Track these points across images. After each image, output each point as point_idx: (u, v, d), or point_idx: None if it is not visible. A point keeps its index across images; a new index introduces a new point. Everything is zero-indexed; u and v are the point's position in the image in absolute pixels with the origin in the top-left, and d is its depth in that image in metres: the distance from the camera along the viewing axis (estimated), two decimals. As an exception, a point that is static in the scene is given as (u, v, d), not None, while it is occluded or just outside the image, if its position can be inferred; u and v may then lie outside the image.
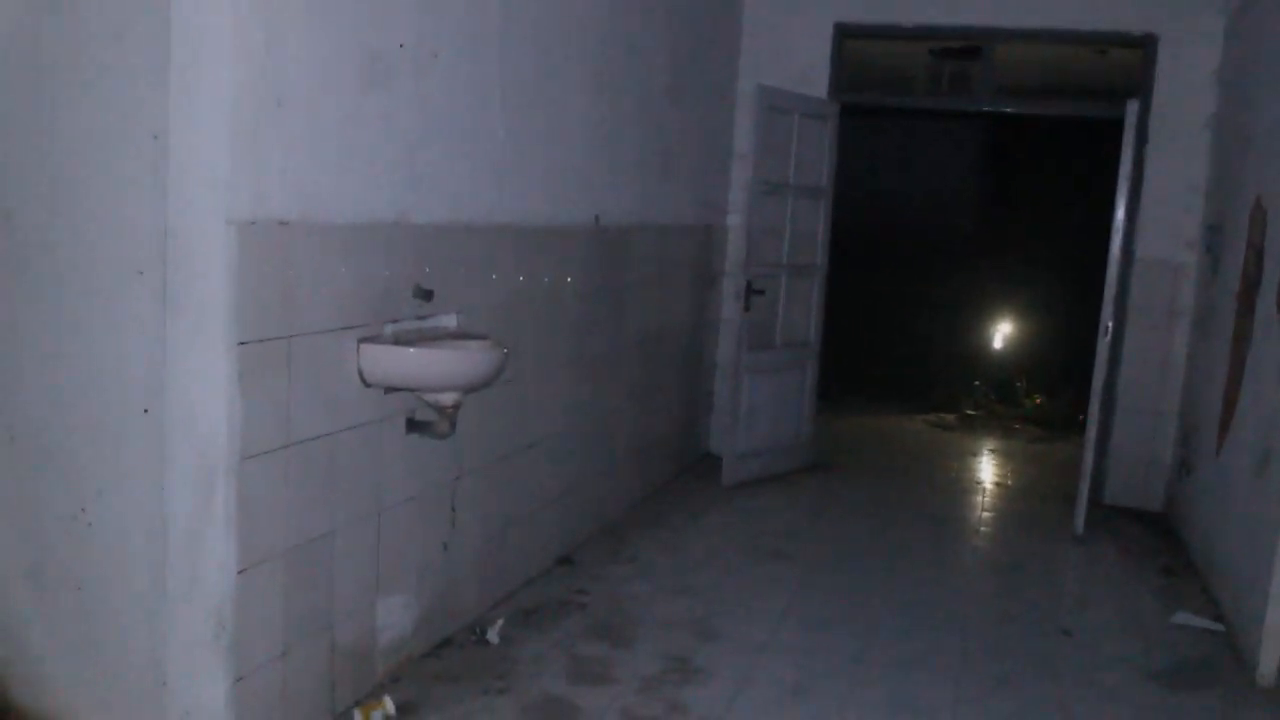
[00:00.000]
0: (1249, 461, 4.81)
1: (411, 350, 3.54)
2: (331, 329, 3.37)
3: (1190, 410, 6.46)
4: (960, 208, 11.19)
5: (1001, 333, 10.87)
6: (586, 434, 5.44)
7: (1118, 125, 6.07)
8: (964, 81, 7.61)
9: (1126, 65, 7.02)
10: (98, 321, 3.12)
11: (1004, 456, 8.37)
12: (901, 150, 11.14)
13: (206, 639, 3.08)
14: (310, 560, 3.38)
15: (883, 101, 8.12)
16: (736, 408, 6.79)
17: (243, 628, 3.11)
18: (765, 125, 6.58)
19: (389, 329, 3.65)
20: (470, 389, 3.80)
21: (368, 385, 3.53)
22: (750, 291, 6.65)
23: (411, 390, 3.69)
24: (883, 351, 10.41)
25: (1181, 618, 5.00)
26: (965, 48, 7.30)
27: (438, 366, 3.59)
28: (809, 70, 7.17)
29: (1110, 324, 6.07)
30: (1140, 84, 6.69)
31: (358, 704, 3.62)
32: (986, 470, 7.95)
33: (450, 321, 4.02)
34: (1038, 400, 9.71)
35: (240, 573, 3.08)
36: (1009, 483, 7.56)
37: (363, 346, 3.48)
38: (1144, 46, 6.68)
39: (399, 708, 3.64)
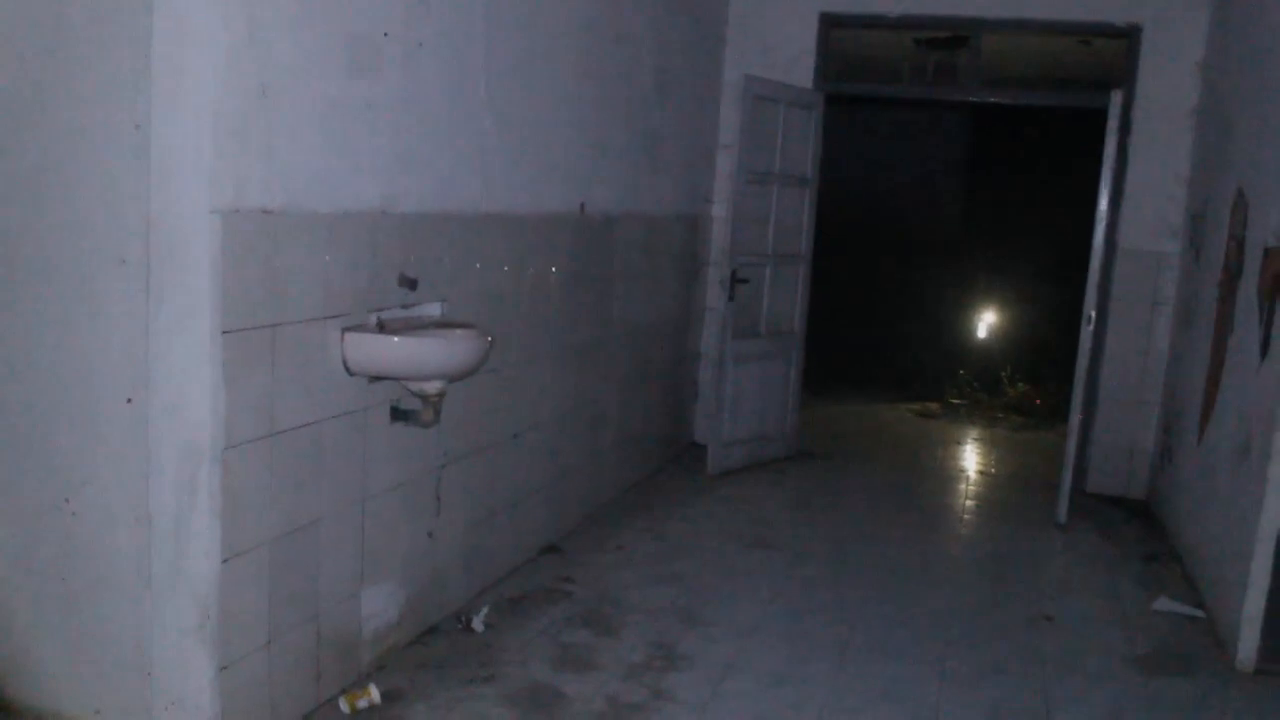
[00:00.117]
0: (1230, 449, 4.85)
1: (396, 339, 3.54)
2: (316, 318, 3.37)
3: (1172, 399, 6.50)
4: (945, 197, 11.23)
5: (985, 322, 10.92)
6: (572, 422, 5.45)
7: (1102, 115, 6.09)
8: (949, 71, 7.64)
9: (1110, 55, 7.05)
10: (81, 311, 3.11)
11: (987, 445, 8.41)
12: (887, 140, 11.17)
13: (191, 628, 3.08)
14: (295, 549, 3.39)
15: (868, 91, 8.14)
16: (721, 396, 6.81)
17: (227, 617, 3.11)
18: (751, 115, 6.58)
19: (373, 318, 3.65)
20: (455, 378, 3.80)
21: (352, 374, 3.53)
22: (735, 280, 6.66)
23: (396, 379, 3.69)
24: (867, 340, 10.45)
25: (1162, 604, 5.04)
26: (950, 38, 7.32)
27: (422, 355, 3.59)
28: (794, 60, 7.17)
29: (1093, 313, 6.10)
30: (1124, 74, 6.71)
31: (343, 692, 3.62)
32: (970, 459, 7.99)
33: (435, 310, 4.02)
34: (1021, 389, 9.75)
35: (225, 562, 3.08)
36: (992, 471, 7.60)
37: (347, 335, 3.48)
38: (1128, 37, 6.70)
39: (384, 696, 3.65)
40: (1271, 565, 4.28)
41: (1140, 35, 6.64)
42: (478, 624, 4.28)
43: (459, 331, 3.83)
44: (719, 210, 7.37)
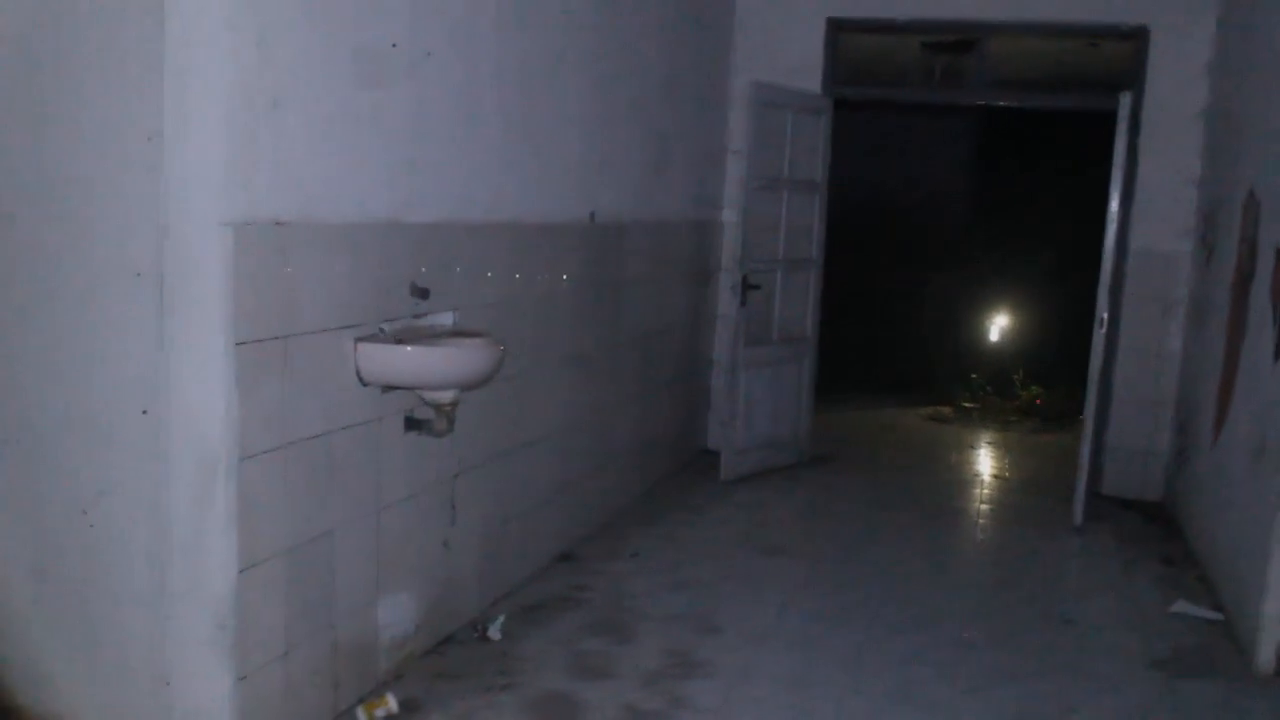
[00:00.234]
0: (1245, 451, 4.83)
1: (408, 348, 3.55)
2: (329, 328, 3.38)
3: (1186, 400, 6.48)
4: (955, 201, 11.21)
5: (998, 325, 10.88)
6: (585, 430, 5.45)
7: (1112, 117, 6.08)
8: (957, 75, 7.63)
9: (1119, 57, 7.04)
10: (96, 323, 3.12)
11: (1001, 449, 8.39)
12: (896, 144, 11.15)
13: (208, 639, 3.09)
14: (311, 559, 3.39)
15: (876, 95, 8.12)
16: (734, 403, 6.81)
17: (244, 627, 3.12)
18: (759, 121, 6.59)
19: (386, 328, 3.66)
20: (468, 387, 3.80)
21: (365, 384, 3.54)
22: (746, 287, 6.66)
23: (409, 388, 3.70)
24: (879, 345, 10.42)
25: (1180, 607, 5.02)
26: (958, 41, 7.31)
27: (435, 364, 3.60)
28: (802, 65, 7.17)
29: (1106, 315, 6.08)
30: (1133, 76, 6.70)
31: (361, 702, 3.63)
32: (984, 463, 7.97)
33: (447, 319, 4.02)
34: (1034, 392, 9.72)
35: (241, 572, 3.09)
36: (1007, 475, 7.58)
37: (360, 345, 3.49)
38: (1136, 39, 6.69)
39: (402, 705, 3.65)
40: (1289, 566, 4.27)
41: (1148, 37, 6.63)
42: (494, 632, 4.28)
43: (471, 341, 3.84)
44: (729, 216, 7.37)
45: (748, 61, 7.28)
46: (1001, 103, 7.51)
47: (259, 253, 3.06)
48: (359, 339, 3.50)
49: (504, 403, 4.51)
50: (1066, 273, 9.87)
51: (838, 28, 7.20)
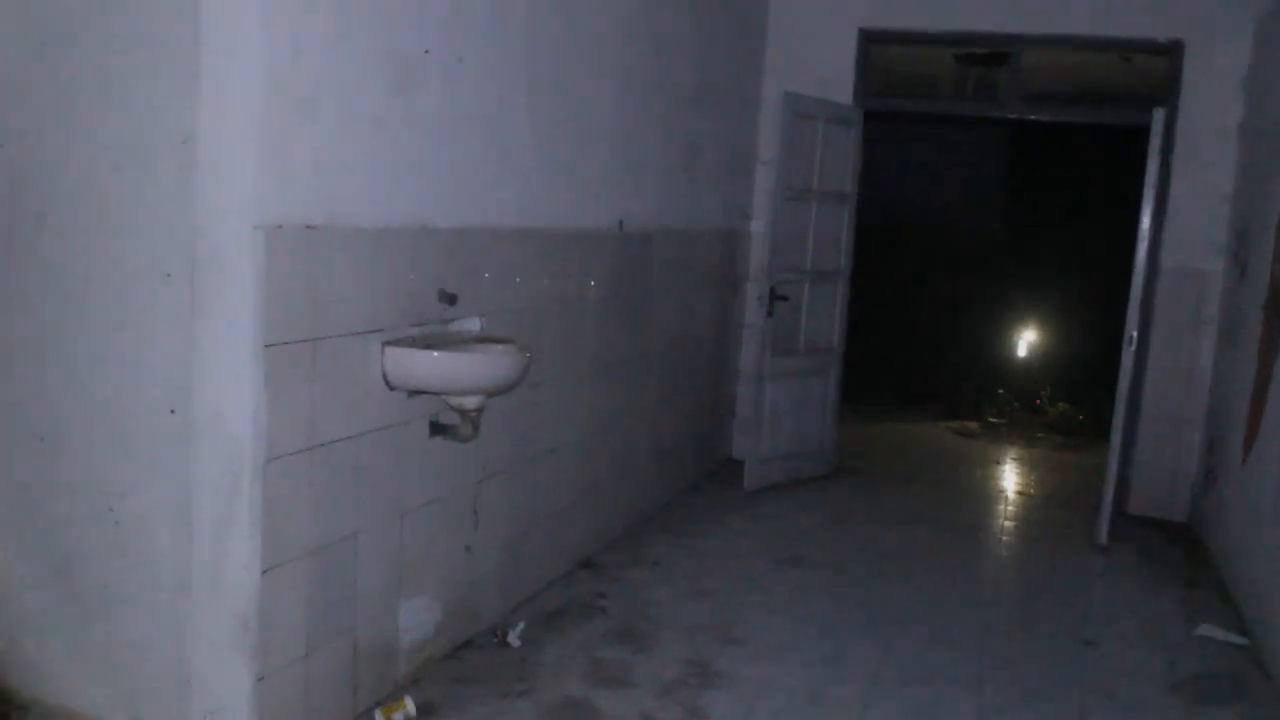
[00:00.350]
0: (1275, 471, 4.78)
1: (435, 353, 3.56)
2: (357, 332, 3.39)
3: (1216, 419, 6.42)
4: (985, 214, 11.16)
5: (1025, 340, 10.83)
6: (609, 438, 5.45)
7: (1143, 132, 6.03)
8: (989, 88, 7.60)
9: (1153, 72, 6.99)
10: (126, 323, 3.15)
11: (1027, 465, 8.33)
12: (926, 156, 11.12)
13: (230, 638, 3.11)
14: (334, 561, 3.41)
15: (907, 107, 8.10)
16: (759, 413, 6.79)
17: (266, 628, 3.14)
18: (790, 131, 6.58)
19: (413, 332, 3.67)
20: (493, 393, 3.81)
21: (392, 388, 3.55)
22: (774, 297, 6.65)
23: (435, 393, 3.71)
24: (906, 358, 10.39)
25: (1205, 630, 4.97)
26: (990, 54, 7.28)
27: (461, 370, 3.61)
28: (834, 76, 7.16)
29: (1135, 333, 6.03)
30: (1166, 91, 6.66)
31: (379, 704, 3.64)
32: (1009, 478, 7.92)
33: (474, 325, 4.04)
34: (1061, 408, 9.66)
35: (264, 573, 3.10)
36: (1032, 491, 7.52)
37: (387, 349, 3.50)
38: (1171, 53, 6.65)
39: (420, 708, 3.66)
40: (1318, 591, 4.22)
41: (1183, 51, 6.59)
42: (513, 638, 4.28)
43: (498, 347, 3.85)
44: (758, 226, 7.36)
45: (779, 72, 7.28)
46: (1033, 117, 7.46)
47: (289, 256, 3.08)
48: (386, 343, 3.51)
49: (529, 409, 4.52)
50: (1096, 289, 9.81)
51: (869, 39, 7.19)
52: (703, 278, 6.70)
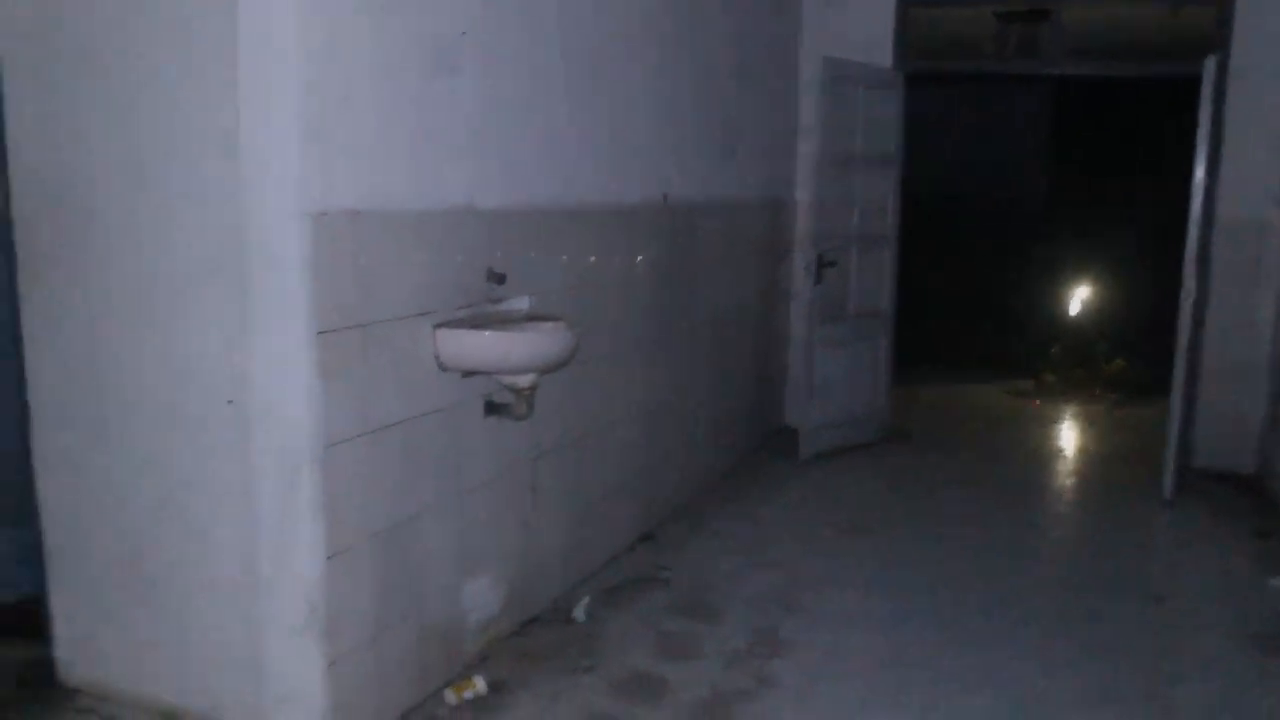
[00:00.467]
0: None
1: (486, 333, 3.56)
2: (407, 315, 3.40)
3: (1280, 368, 6.29)
4: (1033, 171, 10.98)
5: (1079, 296, 10.65)
6: (663, 411, 5.44)
7: (1194, 83, 5.89)
8: (1032, 45, 7.45)
9: (1200, 23, 6.81)
10: (179, 315, 3.18)
11: (1085, 422, 8.22)
12: (971, 115, 10.95)
13: (299, 625, 3.14)
14: (396, 544, 3.43)
15: (949, 69, 7.96)
16: (811, 380, 6.76)
17: (334, 613, 3.17)
18: (831, 97, 6.51)
19: (463, 313, 3.68)
20: (546, 370, 3.81)
21: (445, 369, 3.57)
22: (821, 264, 6.60)
23: (488, 373, 3.72)
24: (957, 319, 10.27)
25: (1277, 582, 4.88)
26: (1031, 10, 7.14)
27: (513, 349, 3.61)
28: (873, 39, 7.06)
29: (1193, 284, 5.91)
30: (1217, 39, 6.49)
31: (449, 684, 3.67)
32: (1068, 437, 7.82)
33: (523, 304, 4.04)
34: (1118, 365, 9.51)
35: (329, 558, 3.13)
36: (1092, 449, 7.42)
37: (439, 331, 3.51)
38: (1217, 2, 6.48)
39: (489, 687, 3.69)
40: (1394, 536, 4.13)
41: (1233, -1, 6.42)
42: (578, 614, 4.30)
43: (548, 325, 3.85)
44: (802, 194, 7.30)
45: (818, 37, 7.19)
46: (1079, 72, 7.31)
47: (336, 242, 3.09)
48: (437, 325, 3.52)
49: (582, 385, 4.52)
50: (1151, 242, 9.65)
51: (908, 1, 7.08)
52: (749, 247, 6.66)
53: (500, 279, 3.80)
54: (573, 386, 4.43)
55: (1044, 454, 7.30)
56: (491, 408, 3.86)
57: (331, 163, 3.07)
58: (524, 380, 3.73)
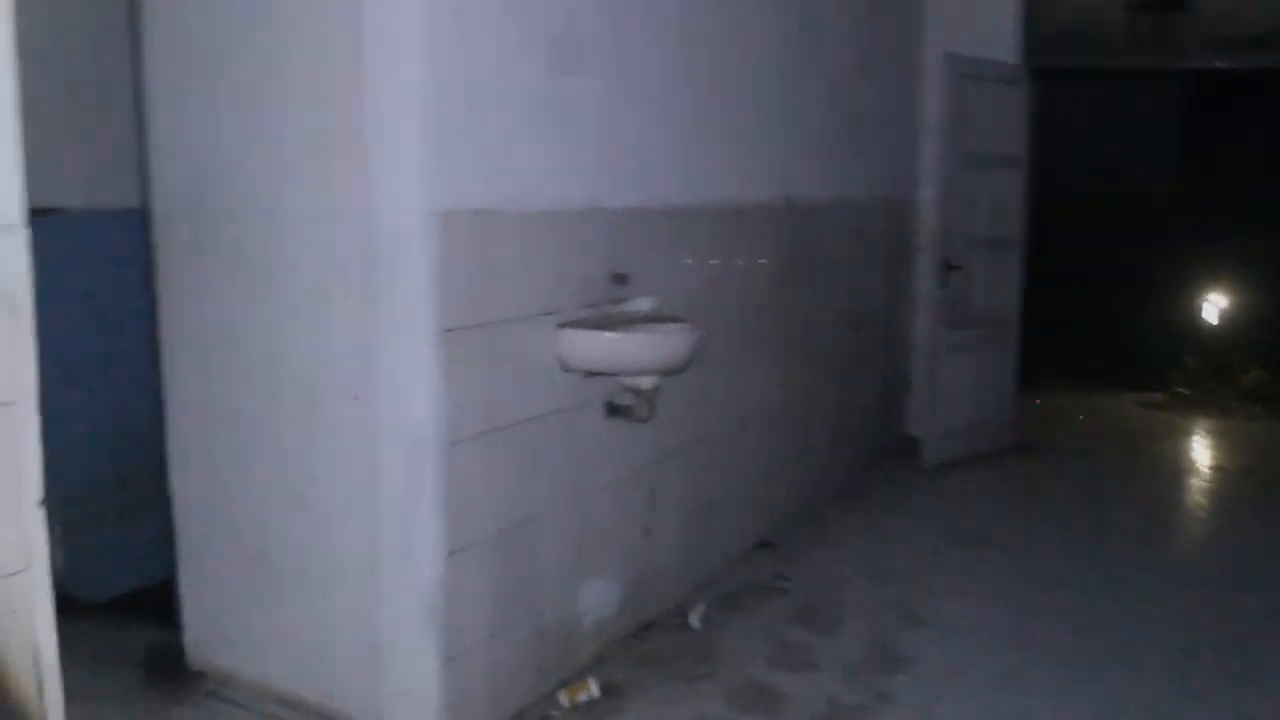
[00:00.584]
0: None
1: (610, 334, 3.54)
2: (531, 315, 3.40)
3: None
4: (1165, 170, 10.59)
5: (1214, 303, 10.23)
6: (783, 416, 5.36)
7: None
8: (1165, 37, 7.14)
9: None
10: (308, 312, 3.23)
11: (1221, 436, 7.88)
12: (1098, 112, 10.60)
13: (419, 620, 3.15)
14: (516, 544, 3.42)
15: (1077, 64, 7.69)
16: (935, 387, 6.60)
17: (453, 609, 3.17)
18: (955, 94, 6.36)
19: (586, 313, 3.66)
20: (667, 372, 3.77)
21: (567, 370, 3.55)
22: (947, 267, 6.44)
23: (610, 374, 3.69)
24: (1086, 326, 9.96)
25: None
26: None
27: (636, 350, 3.58)
28: (997, 34, 6.84)
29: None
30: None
31: (563, 685, 3.65)
32: (1202, 451, 7.51)
33: (645, 305, 4.00)
34: (1256, 375, 9.10)
35: (450, 555, 3.14)
36: (1227, 464, 7.11)
37: (562, 331, 3.50)
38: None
39: (603, 690, 3.66)
40: None
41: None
42: (694, 620, 4.25)
43: (671, 326, 3.80)
44: (926, 194, 7.12)
45: (941, 32, 7.00)
46: (1216, 64, 6.98)
47: (462, 241, 3.09)
48: (561, 325, 3.50)
49: (703, 388, 4.47)
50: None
51: (1035, -6, 6.86)
52: (872, 249, 6.53)
53: (622, 279, 3.78)
54: (694, 389, 4.38)
55: (1177, 468, 7.02)
56: (613, 409, 3.83)
57: (458, 161, 3.07)
58: (646, 382, 3.70)
